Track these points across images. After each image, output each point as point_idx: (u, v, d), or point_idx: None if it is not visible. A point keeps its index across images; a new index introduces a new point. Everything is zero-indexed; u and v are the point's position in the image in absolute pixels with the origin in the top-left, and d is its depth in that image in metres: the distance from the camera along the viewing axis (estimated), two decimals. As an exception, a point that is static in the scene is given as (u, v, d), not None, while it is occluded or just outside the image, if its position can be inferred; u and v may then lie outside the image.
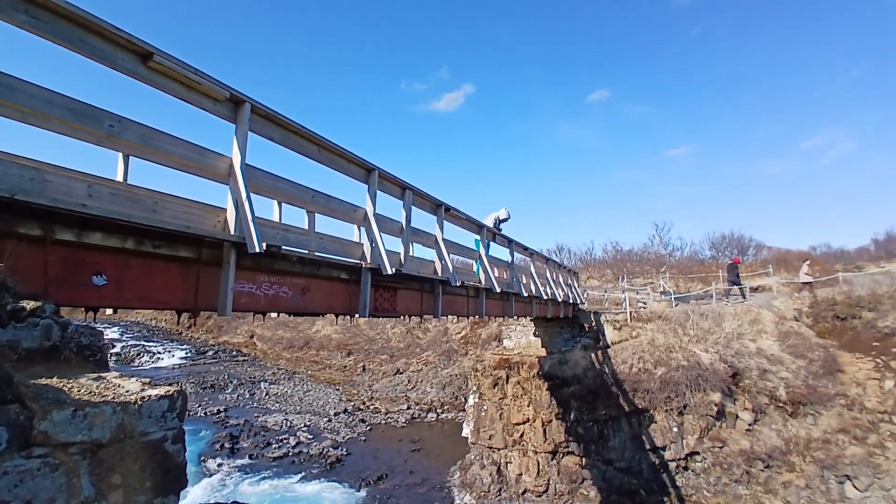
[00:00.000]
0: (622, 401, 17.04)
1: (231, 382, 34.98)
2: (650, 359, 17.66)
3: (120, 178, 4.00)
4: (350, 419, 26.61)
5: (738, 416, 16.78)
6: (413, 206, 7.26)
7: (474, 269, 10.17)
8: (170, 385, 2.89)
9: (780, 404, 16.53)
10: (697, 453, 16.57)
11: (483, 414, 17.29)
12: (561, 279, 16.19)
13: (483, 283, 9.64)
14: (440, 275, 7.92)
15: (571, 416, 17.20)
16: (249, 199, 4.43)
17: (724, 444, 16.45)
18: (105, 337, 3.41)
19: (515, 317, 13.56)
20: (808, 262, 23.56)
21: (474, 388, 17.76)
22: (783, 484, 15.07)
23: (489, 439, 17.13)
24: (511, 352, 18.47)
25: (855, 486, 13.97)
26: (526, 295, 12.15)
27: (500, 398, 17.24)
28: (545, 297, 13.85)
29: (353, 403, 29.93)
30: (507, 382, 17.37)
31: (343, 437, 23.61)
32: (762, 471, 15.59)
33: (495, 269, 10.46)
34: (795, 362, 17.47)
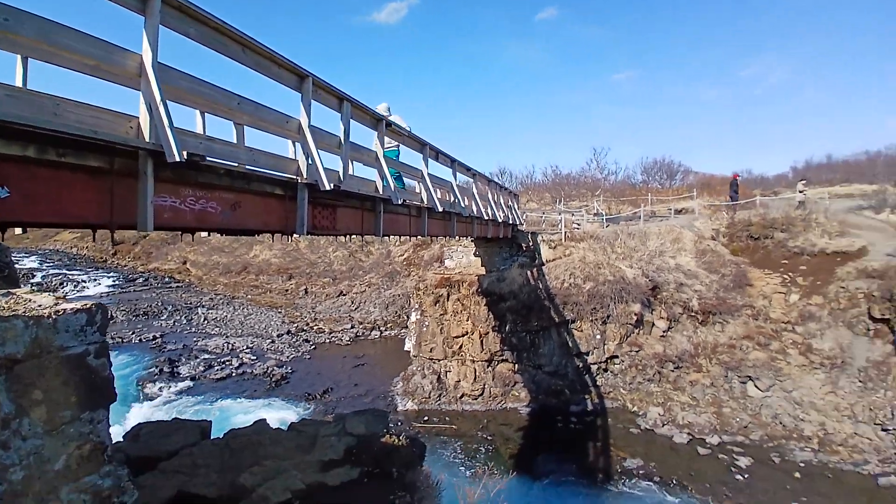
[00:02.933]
0: (553, 313, 18.33)
1: (166, 309, 33.83)
2: (580, 275, 18.87)
3: (19, 83, 3.56)
4: (294, 340, 26.90)
5: (654, 325, 18.66)
6: (352, 121, 6.89)
7: (417, 188, 10.05)
8: (87, 301, 2.72)
9: (693, 314, 18.47)
10: (616, 357, 18.48)
11: (425, 329, 18.07)
12: (502, 201, 16.47)
13: (425, 202, 9.60)
14: (381, 193, 7.77)
15: (507, 328, 18.37)
16: (165, 103, 3.99)
17: (640, 349, 18.40)
18: (22, 264, 3.11)
19: (457, 237, 13.79)
20: (803, 181, 24.37)
21: (416, 306, 18.36)
22: (690, 382, 17.29)
23: (430, 352, 18.09)
24: (452, 271, 19.04)
25: (757, 387, 16.24)
26: (468, 215, 12.30)
27: (441, 314, 18.00)
28: (486, 218, 14.11)
29: (296, 325, 30.11)
30: (447, 300, 18.07)
31: (287, 357, 23.97)
32: (672, 371, 17.73)
33: (438, 189, 10.40)
34: (709, 277, 19.33)
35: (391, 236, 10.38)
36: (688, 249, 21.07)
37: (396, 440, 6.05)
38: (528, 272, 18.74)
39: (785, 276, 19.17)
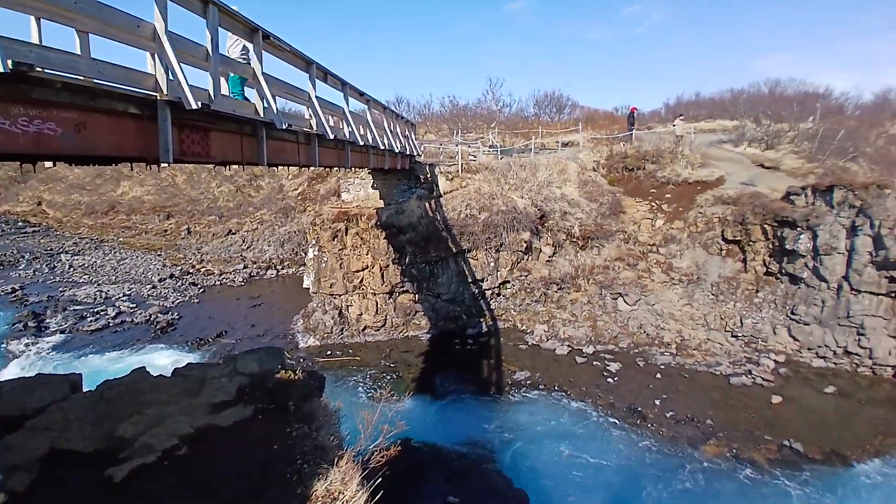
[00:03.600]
0: (451, 243, 18.89)
1: (23, 257, 29.22)
2: (476, 206, 19.45)
3: None
4: (179, 284, 24.85)
5: (541, 251, 20.10)
6: (221, 29, 6.01)
7: (306, 114, 9.27)
8: None
9: (574, 239, 20.13)
10: (508, 282, 19.81)
11: (324, 265, 17.66)
12: (399, 130, 15.97)
13: (314, 128, 8.94)
14: (263, 116, 7.05)
15: (407, 259, 18.63)
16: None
17: (528, 273, 19.86)
18: None
19: (352, 169, 13.27)
20: (681, 117, 26.02)
21: (314, 242, 17.74)
22: (571, 301, 19.17)
23: (330, 287, 17.85)
24: (350, 205, 18.50)
25: (625, 302, 18.42)
26: (363, 145, 11.78)
27: (340, 249, 17.65)
28: (383, 148, 13.67)
29: (179, 268, 27.72)
30: (346, 234, 17.68)
31: (173, 302, 22.19)
32: (556, 292, 19.48)
33: (329, 116, 9.71)
34: (590, 205, 20.97)
35: (279, 166, 9.66)
36: (572, 180, 22.51)
37: (293, 374, 5.96)
38: (427, 204, 18.86)
39: (653, 204, 21.42)
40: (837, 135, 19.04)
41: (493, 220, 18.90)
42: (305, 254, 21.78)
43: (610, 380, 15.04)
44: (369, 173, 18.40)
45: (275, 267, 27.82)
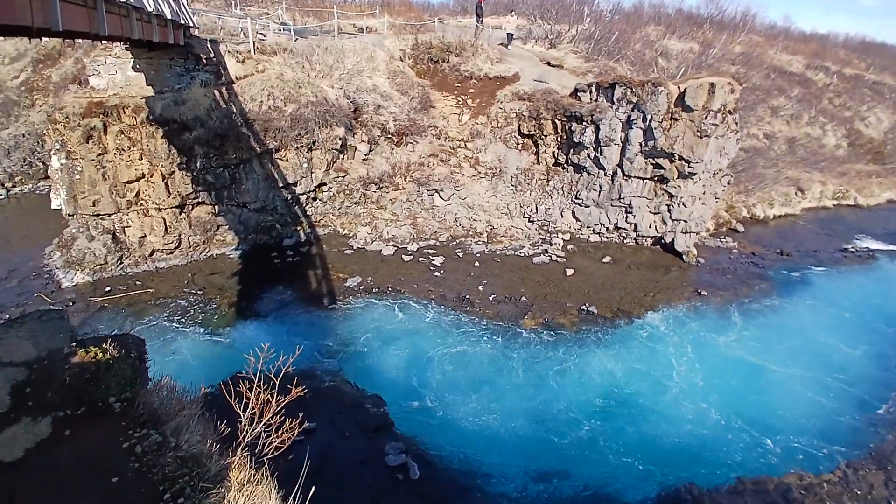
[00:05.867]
0: (253, 142, 16.06)
1: None
2: (280, 95, 16.62)
3: None
4: None
5: (357, 149, 18.78)
6: None
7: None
8: None
9: (389, 136, 19.23)
10: (325, 184, 18.24)
11: (78, 177, 13.05)
12: (164, -12, 11.76)
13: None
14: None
15: (198, 163, 15.23)
16: None
17: (346, 174, 18.55)
18: None
19: (109, 39, 9.44)
20: (513, 13, 24.69)
21: (57, 147, 12.70)
22: (391, 200, 18.76)
23: (93, 206, 13.54)
24: (104, 93, 13.56)
25: (441, 197, 18.74)
26: (123, 1, 8.24)
27: (100, 154, 13.18)
28: (150, 10, 9.94)
29: None
30: (105, 133, 13.16)
31: None
32: (375, 192, 18.78)
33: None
34: (402, 98, 20.00)
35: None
36: (381, 70, 20.96)
37: (97, 351, 4.16)
38: (216, 92, 15.25)
39: (459, 99, 21.61)
40: (612, 37, 21.55)
41: (303, 114, 16.55)
42: (45, 164, 15.88)
43: (437, 273, 15.77)
44: (127, 49, 13.56)
45: (3, 185, 19.92)
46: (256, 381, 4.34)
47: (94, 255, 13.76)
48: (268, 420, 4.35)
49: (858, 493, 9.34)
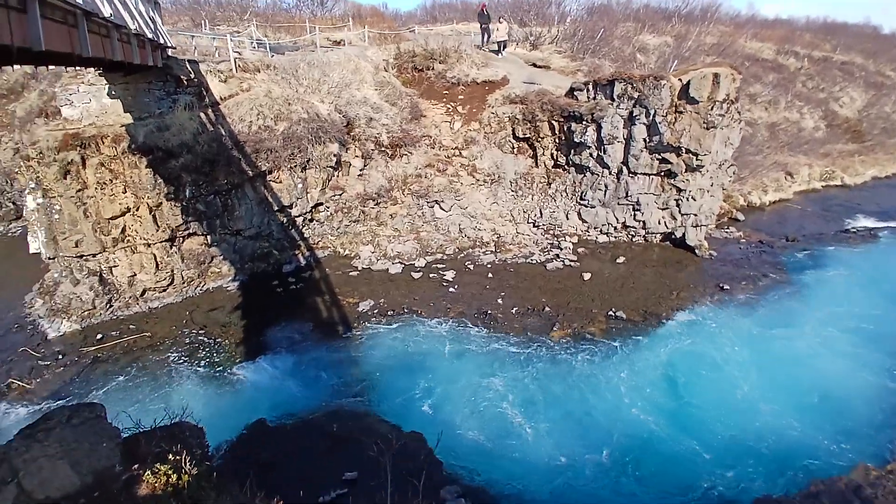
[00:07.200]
0: (245, 165, 15.03)
1: None
2: (270, 114, 15.67)
3: None
4: None
5: (351, 164, 17.91)
6: None
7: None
8: None
9: (383, 148, 18.43)
10: (321, 204, 17.30)
11: (57, 217, 11.79)
12: (142, 7, 10.76)
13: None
14: None
15: (187, 192, 14.11)
16: None
17: (342, 191, 17.66)
18: None
19: (87, 62, 8.43)
20: (501, 20, 23.97)
21: (32, 186, 11.40)
22: (391, 215, 17.92)
23: (76, 247, 12.27)
24: (80, 124, 12.35)
25: (441, 208, 17.99)
26: (105, 18, 7.28)
27: (80, 190, 11.96)
28: (131, 30, 8.95)
29: None
30: (84, 167, 11.95)
31: None
32: (374, 208, 17.91)
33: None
34: (392, 109, 19.24)
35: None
36: (368, 81, 20.18)
37: (168, 470, 3.20)
38: (202, 115, 14.20)
39: (448, 106, 20.99)
40: (597, 35, 21.32)
41: (295, 132, 15.63)
42: (17, 205, 14.46)
43: (451, 289, 14.99)
44: (100, 75, 12.42)
45: (-36, 231, 18.23)
46: None
47: (81, 301, 12.48)
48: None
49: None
